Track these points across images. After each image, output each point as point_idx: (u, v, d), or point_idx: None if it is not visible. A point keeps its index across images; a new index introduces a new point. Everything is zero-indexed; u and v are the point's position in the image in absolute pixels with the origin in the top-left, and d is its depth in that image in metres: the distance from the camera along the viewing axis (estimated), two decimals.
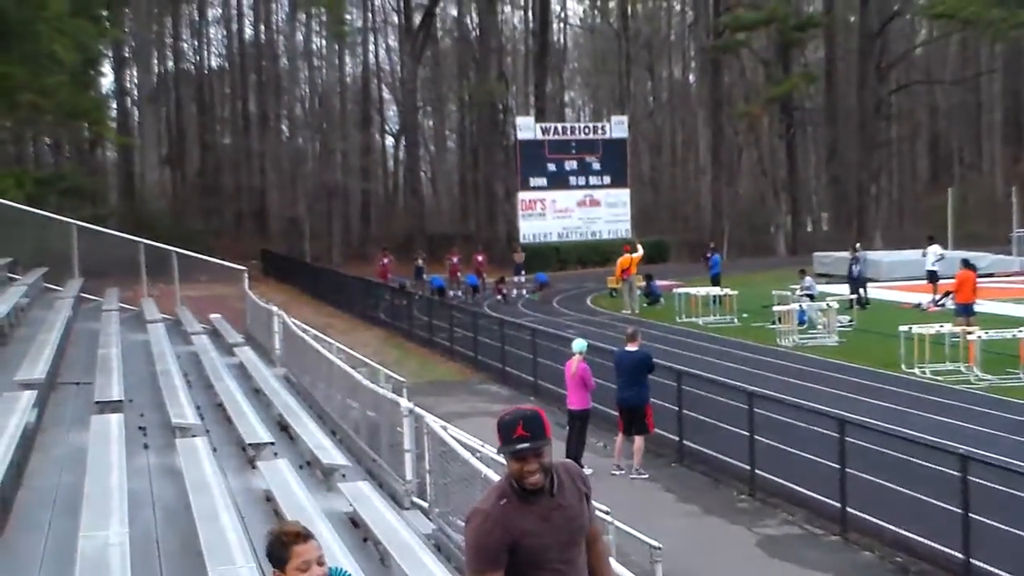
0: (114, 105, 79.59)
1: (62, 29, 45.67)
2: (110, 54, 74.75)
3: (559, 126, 68.44)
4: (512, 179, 66.98)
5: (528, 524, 5.11)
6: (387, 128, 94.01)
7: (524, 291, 47.92)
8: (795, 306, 31.87)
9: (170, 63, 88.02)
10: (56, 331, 17.18)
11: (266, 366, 19.19)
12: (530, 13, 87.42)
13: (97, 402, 12.93)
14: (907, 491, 14.72)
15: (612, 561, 7.84)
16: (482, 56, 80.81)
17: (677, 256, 67.58)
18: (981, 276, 33.32)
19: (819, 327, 31.24)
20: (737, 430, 17.30)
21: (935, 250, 38.60)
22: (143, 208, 74.53)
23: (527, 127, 64.54)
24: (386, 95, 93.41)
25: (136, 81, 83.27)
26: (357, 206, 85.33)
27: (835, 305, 31.92)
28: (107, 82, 78.52)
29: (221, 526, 8.73)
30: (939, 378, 23.57)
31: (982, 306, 30.50)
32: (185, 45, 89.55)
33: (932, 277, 37.50)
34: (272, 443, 12.48)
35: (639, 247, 41.46)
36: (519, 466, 5.09)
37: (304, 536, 4.73)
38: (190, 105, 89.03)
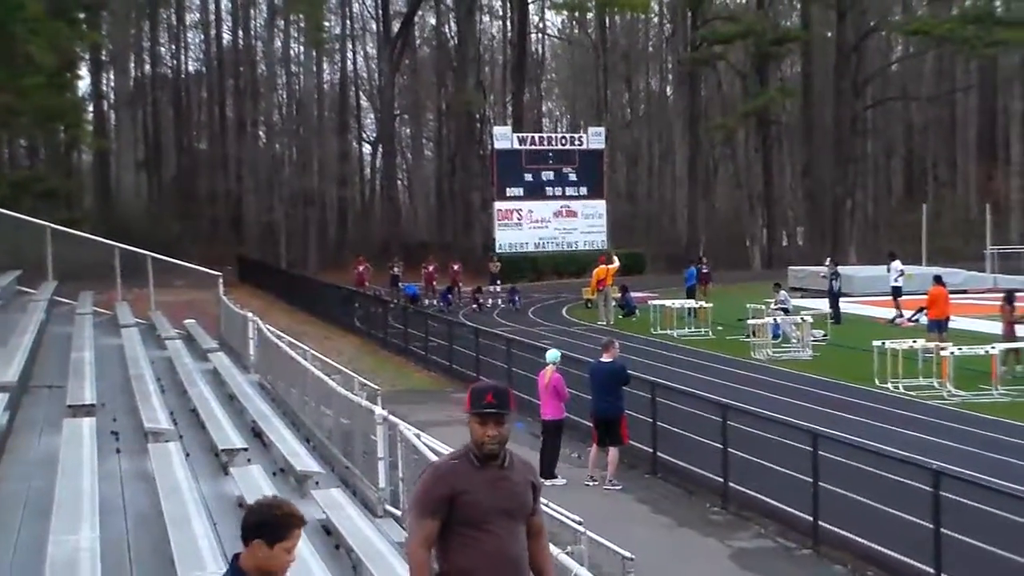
0: (91, 108, 79.35)
1: (39, 31, 45.59)
2: (87, 57, 74.52)
3: (536, 136, 68.41)
4: (489, 188, 66.95)
5: (472, 484, 5.68)
6: (364, 135, 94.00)
7: (499, 301, 47.85)
8: (769, 320, 31.96)
9: (147, 67, 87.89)
10: (29, 334, 17.09)
11: (240, 372, 19.14)
12: (508, 23, 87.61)
13: (69, 406, 12.86)
14: (879, 505, 14.72)
15: (575, 565, 7.85)
16: (460, 65, 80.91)
17: (653, 268, 67.69)
18: (955, 293, 33.48)
19: (793, 341, 31.31)
20: (711, 442, 17.29)
21: (896, 266, 38.71)
22: (118, 212, 74.27)
23: (504, 137, 64.46)
24: (364, 102, 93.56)
25: (113, 84, 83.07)
26: (334, 213, 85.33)
27: (809, 319, 31.99)
28: (84, 85, 78.31)
29: (193, 531, 8.70)
30: (912, 393, 23.65)
31: (955, 322, 30.65)
32: (163, 49, 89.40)
33: (896, 293, 37.71)
34: (245, 449, 12.42)
35: (615, 259, 41.43)
36: (482, 429, 5.72)
37: (303, 523, 4.91)
38: (167, 109, 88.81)
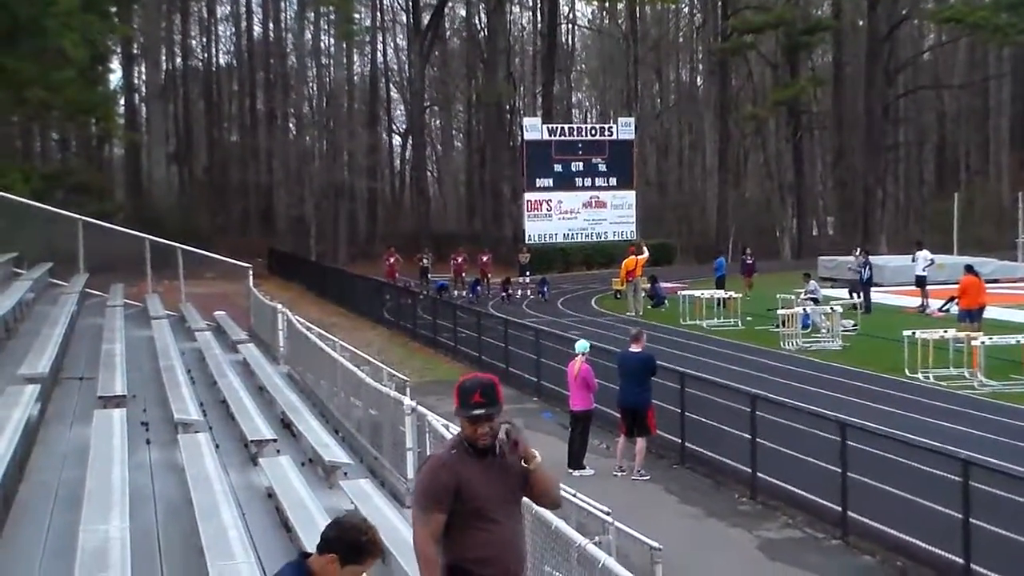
0: (122, 101, 79.59)
1: (71, 25, 45.69)
2: (119, 50, 74.67)
3: (566, 127, 68.43)
4: (518, 179, 66.88)
5: (472, 472, 5.81)
6: (394, 127, 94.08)
7: (528, 292, 47.85)
8: (799, 310, 31.84)
9: (178, 60, 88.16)
10: (60, 326, 17.21)
11: (270, 363, 19.23)
12: (538, 14, 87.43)
13: (100, 397, 12.97)
14: (908, 495, 14.68)
15: (603, 556, 7.85)
16: (490, 56, 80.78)
17: (682, 258, 67.58)
18: (986, 282, 33.24)
19: (823, 331, 31.19)
20: (739, 433, 17.26)
21: (924, 255, 38.46)
22: (150, 204, 74.42)
23: (534, 128, 64.47)
24: (394, 94, 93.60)
25: (144, 78, 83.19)
26: (363, 205, 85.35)
27: (839, 309, 31.86)
28: (115, 78, 78.54)
29: (222, 522, 8.76)
30: (942, 383, 23.55)
31: (986, 311, 30.41)
32: (194, 42, 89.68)
33: (921, 282, 37.49)
34: (275, 440, 12.50)
35: (644, 249, 41.30)
36: (472, 428, 5.83)
37: (381, 554, 5.01)
38: (198, 102, 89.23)
